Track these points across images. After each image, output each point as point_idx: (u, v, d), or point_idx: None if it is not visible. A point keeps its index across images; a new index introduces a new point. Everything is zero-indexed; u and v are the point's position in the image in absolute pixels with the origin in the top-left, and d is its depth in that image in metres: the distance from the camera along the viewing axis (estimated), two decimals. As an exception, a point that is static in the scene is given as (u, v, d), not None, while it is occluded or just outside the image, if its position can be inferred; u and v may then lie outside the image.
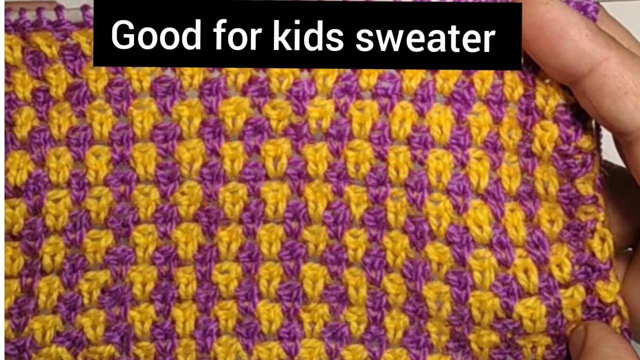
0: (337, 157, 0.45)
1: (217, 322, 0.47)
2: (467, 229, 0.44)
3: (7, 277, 0.45)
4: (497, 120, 0.45)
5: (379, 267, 0.46)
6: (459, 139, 0.44)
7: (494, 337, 0.45)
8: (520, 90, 0.44)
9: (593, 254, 0.44)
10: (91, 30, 0.44)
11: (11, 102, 0.44)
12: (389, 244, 0.45)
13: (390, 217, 0.45)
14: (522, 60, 0.44)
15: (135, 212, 0.45)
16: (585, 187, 0.44)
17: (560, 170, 0.44)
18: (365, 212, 0.45)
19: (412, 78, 0.44)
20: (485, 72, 0.44)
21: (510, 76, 0.44)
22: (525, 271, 0.44)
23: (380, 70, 0.45)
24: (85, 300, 0.46)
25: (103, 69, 0.44)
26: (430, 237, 0.45)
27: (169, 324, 0.46)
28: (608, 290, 0.44)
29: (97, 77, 0.44)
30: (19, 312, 0.45)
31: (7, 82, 0.44)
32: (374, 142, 0.45)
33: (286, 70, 0.44)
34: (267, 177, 0.45)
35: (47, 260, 0.45)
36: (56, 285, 0.45)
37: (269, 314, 0.47)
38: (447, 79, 0.45)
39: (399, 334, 0.47)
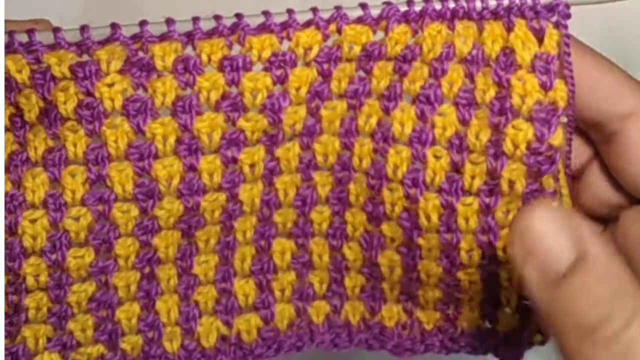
0: (306, 150, 0.47)
1: (197, 306, 0.49)
2: (417, 216, 0.46)
3: None
4: (464, 122, 0.45)
5: (339, 237, 0.50)
6: (420, 137, 0.46)
7: (438, 293, 0.49)
8: (492, 92, 0.45)
9: None
10: (62, 51, 0.44)
11: None
12: (349, 218, 0.49)
13: (352, 197, 0.48)
14: (497, 60, 0.44)
15: (116, 229, 0.45)
16: (548, 182, 0.45)
17: (531, 169, 0.44)
18: (329, 192, 0.48)
19: (381, 81, 0.45)
20: (455, 75, 0.45)
21: (482, 80, 0.45)
22: (470, 250, 0.47)
23: (351, 75, 0.46)
24: (75, 310, 0.46)
25: (71, 89, 0.43)
26: (385, 218, 0.47)
27: (153, 315, 0.48)
28: None
29: (66, 99, 0.44)
30: (9, 323, 0.45)
31: None
32: (341, 135, 0.47)
33: (259, 84, 0.44)
34: (244, 181, 0.46)
35: (30, 280, 0.45)
36: (44, 301, 0.46)
37: (244, 289, 0.50)
38: (414, 82, 0.45)
39: (357, 290, 0.51)
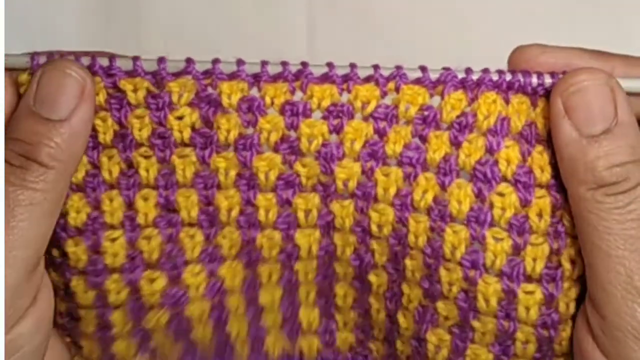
0: (362, 214, 0.48)
1: (264, 328, 0.51)
2: (475, 299, 0.47)
3: (84, 307, 0.48)
4: (525, 203, 0.46)
5: (395, 303, 0.50)
6: (478, 217, 0.46)
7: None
8: (550, 169, 0.46)
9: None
10: (138, 79, 0.46)
11: None
12: (406, 289, 0.50)
13: (408, 273, 0.49)
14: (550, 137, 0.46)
15: (183, 254, 0.48)
16: None
17: None
18: (387, 261, 0.49)
19: (436, 150, 0.46)
20: (511, 153, 0.46)
21: (539, 157, 0.46)
22: (526, 342, 0.47)
23: (406, 139, 0.47)
24: (155, 334, 0.49)
25: (146, 118, 0.47)
26: (441, 296, 0.48)
27: (225, 335, 0.50)
28: None
29: (142, 126, 0.47)
30: (100, 337, 0.48)
31: None
32: (397, 207, 0.47)
33: (315, 131, 0.47)
34: (299, 226, 0.48)
35: (113, 297, 0.47)
36: (126, 319, 0.48)
37: (309, 317, 0.52)
38: (469, 155, 0.46)
39: (403, 357, 0.52)
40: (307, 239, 0.49)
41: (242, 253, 0.48)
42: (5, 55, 0.46)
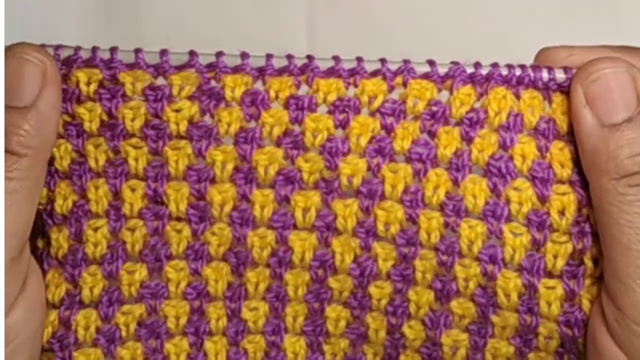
0: (366, 214, 0.47)
1: (246, 354, 0.49)
2: (495, 294, 0.46)
3: (49, 305, 0.46)
4: (542, 198, 0.46)
5: (400, 315, 0.48)
6: (494, 211, 0.46)
7: None
8: (571, 165, 0.45)
9: None
10: (140, 72, 0.46)
11: None
12: (413, 297, 0.48)
13: (418, 275, 0.47)
14: (570, 132, 0.45)
15: (168, 248, 0.47)
16: None
17: None
18: (392, 267, 0.47)
19: (447, 146, 0.46)
20: (527, 149, 0.45)
21: (558, 153, 0.46)
22: (549, 337, 0.46)
23: (415, 135, 0.46)
24: (123, 333, 0.47)
25: (142, 109, 0.46)
26: (456, 295, 0.47)
27: (202, 356, 0.49)
28: None
29: (135, 117, 0.46)
30: (60, 347, 0.47)
31: None
32: (406, 204, 0.46)
33: (320, 125, 0.46)
34: (295, 227, 0.47)
35: (86, 291, 0.46)
36: (93, 319, 0.47)
37: (294, 347, 0.49)
38: (482, 151, 0.46)
39: None
40: (301, 244, 0.47)
41: (230, 253, 0.47)
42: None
